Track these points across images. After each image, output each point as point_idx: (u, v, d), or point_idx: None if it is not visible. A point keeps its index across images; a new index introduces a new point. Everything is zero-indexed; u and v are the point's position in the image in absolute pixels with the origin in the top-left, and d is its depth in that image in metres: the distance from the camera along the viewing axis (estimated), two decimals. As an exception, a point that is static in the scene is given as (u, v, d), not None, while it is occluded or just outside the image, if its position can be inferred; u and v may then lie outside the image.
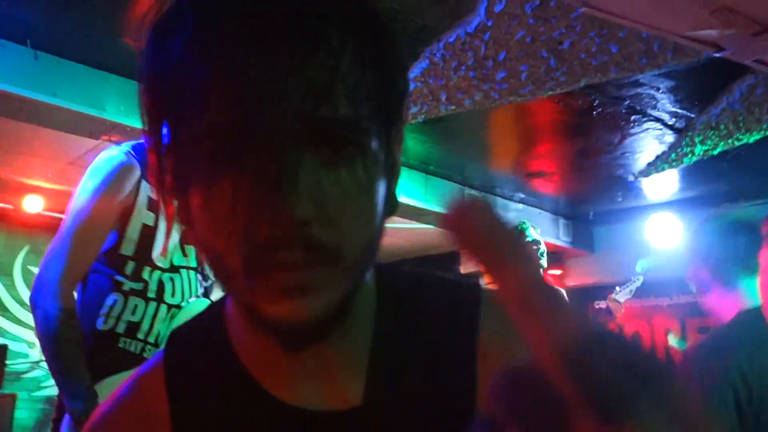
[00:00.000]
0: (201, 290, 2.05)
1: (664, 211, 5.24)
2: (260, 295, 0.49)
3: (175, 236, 1.95)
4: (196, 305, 2.02)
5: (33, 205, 5.12)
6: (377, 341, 0.59)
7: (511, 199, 5.38)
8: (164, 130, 0.51)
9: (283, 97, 0.46)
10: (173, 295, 1.93)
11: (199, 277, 2.05)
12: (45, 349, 1.74)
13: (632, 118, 3.67)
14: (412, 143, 4.23)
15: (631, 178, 4.73)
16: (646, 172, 4.53)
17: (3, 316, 5.46)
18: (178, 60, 0.48)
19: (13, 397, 4.92)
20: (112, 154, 1.86)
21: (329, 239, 0.48)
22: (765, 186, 4.91)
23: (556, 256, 6.12)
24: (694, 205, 5.18)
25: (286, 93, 0.46)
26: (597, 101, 3.44)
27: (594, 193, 5.29)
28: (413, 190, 4.69)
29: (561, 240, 5.80)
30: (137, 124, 3.34)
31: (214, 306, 0.64)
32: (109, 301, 1.82)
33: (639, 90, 3.34)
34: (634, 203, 5.36)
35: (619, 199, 5.30)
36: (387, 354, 0.59)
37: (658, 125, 3.78)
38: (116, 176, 1.81)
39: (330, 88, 0.47)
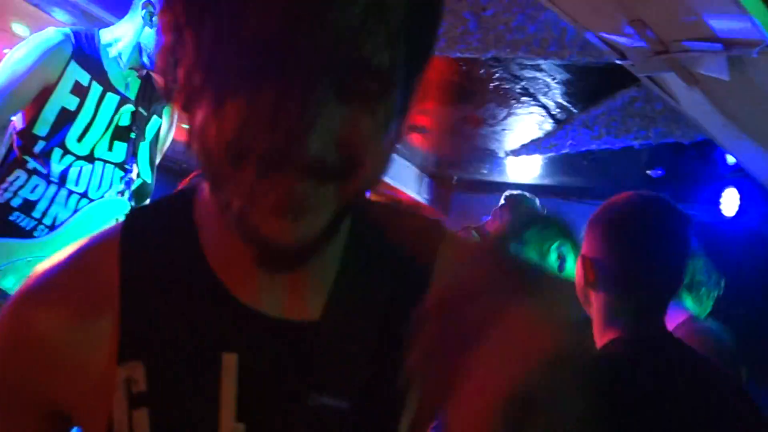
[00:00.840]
0: (123, 188, 2.02)
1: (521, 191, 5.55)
2: (256, 208, 0.49)
3: (102, 127, 1.94)
4: (112, 204, 2.00)
5: None
6: (344, 263, 0.62)
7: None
8: (192, 29, 0.50)
9: (326, 27, 0.45)
10: (77, 183, 1.92)
11: (123, 175, 2.02)
12: None
13: (522, 99, 3.81)
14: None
15: (501, 154, 4.93)
16: (518, 151, 4.74)
17: None
18: None
19: None
20: (49, 34, 1.88)
21: (339, 169, 0.49)
22: (609, 190, 5.35)
23: (412, 211, 6.30)
24: (549, 192, 5.54)
25: (329, 24, 0.45)
26: (497, 74, 3.52)
27: (463, 160, 5.47)
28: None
29: (421, 197, 5.96)
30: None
31: (180, 196, 0.63)
32: (11, 177, 1.87)
33: (537, 75, 3.46)
34: (497, 178, 5.62)
35: (484, 171, 5.52)
36: (351, 276, 0.62)
37: (542, 111, 3.96)
38: (44, 53, 1.84)
39: (363, 28, 0.46)
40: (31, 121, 1.86)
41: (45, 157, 1.88)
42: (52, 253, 0.63)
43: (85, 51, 1.92)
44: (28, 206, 1.87)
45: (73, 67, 1.88)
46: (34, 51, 1.83)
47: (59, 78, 1.86)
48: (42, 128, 1.87)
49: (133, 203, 2.08)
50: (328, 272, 0.61)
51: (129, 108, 2.02)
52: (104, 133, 1.96)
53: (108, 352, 0.57)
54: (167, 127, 2.21)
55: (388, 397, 0.59)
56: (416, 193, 5.88)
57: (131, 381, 0.56)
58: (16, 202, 1.87)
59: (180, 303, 0.58)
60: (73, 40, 1.90)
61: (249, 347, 0.57)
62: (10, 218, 1.86)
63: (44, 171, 1.88)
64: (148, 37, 1.97)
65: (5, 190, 1.87)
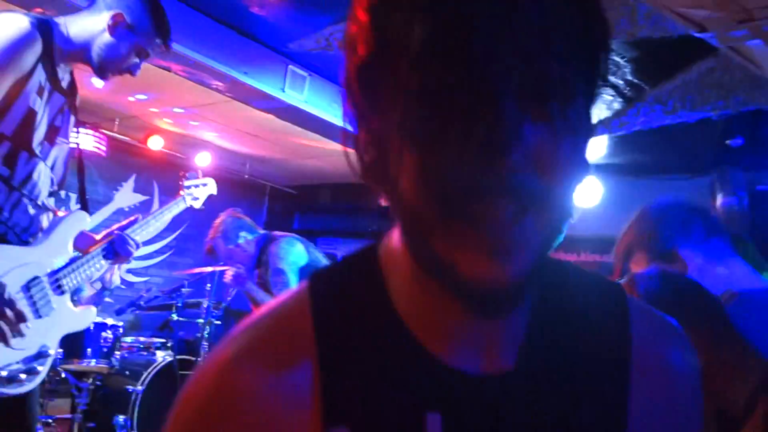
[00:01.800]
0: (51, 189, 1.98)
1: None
2: (460, 252, 0.48)
3: (46, 127, 1.86)
4: (77, 217, 2.06)
5: None
6: (535, 314, 0.59)
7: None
8: (377, 107, 0.52)
9: (504, 51, 0.47)
10: (33, 189, 1.88)
11: (50, 175, 1.96)
12: None
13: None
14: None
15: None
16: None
17: None
18: (407, 10, 0.49)
19: None
20: (22, 22, 1.75)
21: (539, 189, 0.48)
22: (685, 164, 5.17)
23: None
24: (618, 171, 5.39)
25: (506, 47, 0.47)
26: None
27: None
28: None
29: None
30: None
31: (363, 254, 0.63)
32: None
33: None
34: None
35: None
36: (543, 329, 0.59)
37: (611, 92, 3.84)
38: (20, 45, 1.72)
39: (546, 45, 0.47)
40: None
41: (11, 159, 1.79)
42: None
43: (46, 47, 1.81)
44: None
45: (39, 66, 1.78)
46: (11, 41, 1.71)
47: (29, 75, 1.76)
48: (8, 126, 1.76)
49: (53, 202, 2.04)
50: (518, 324, 0.58)
51: (64, 107, 1.95)
52: (46, 133, 1.89)
53: (312, 413, 0.56)
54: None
55: None
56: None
57: None
58: None
59: (378, 361, 0.57)
60: (40, 34, 1.78)
61: (451, 405, 0.56)
62: None
63: (6, 176, 1.79)
64: (104, 40, 1.90)
65: None
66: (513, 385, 0.57)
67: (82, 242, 2.14)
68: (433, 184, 0.48)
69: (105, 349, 4.10)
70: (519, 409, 0.57)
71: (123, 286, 6.05)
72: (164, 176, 6.47)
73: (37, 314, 1.92)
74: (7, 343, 1.81)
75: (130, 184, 6.39)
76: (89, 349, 4.05)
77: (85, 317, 2.15)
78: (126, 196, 6.36)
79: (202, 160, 6.28)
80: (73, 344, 4.03)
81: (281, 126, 4.74)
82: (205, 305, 4.71)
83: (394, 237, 0.59)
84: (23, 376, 1.90)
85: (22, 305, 1.85)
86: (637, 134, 4.39)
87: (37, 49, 1.76)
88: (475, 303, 0.51)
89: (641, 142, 4.64)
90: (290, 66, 4.04)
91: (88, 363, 4.04)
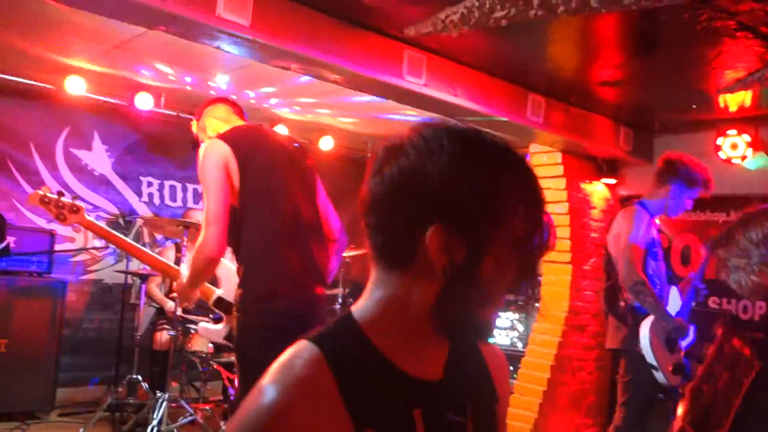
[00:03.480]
0: None
1: (736, 125, 4.96)
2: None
3: None
4: None
5: (75, 86, 4.90)
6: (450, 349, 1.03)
7: (573, 104, 5.07)
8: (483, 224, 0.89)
9: None
10: None
11: None
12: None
13: (738, 34, 3.32)
14: (480, 45, 3.91)
15: (711, 92, 4.39)
16: (732, 87, 4.19)
17: (47, 199, 5.39)
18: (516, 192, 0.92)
19: (63, 283, 4.95)
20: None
21: None
22: None
23: (611, 164, 5.89)
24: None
25: None
26: (705, 15, 3.09)
27: (664, 103, 4.97)
28: (479, 93, 4.40)
29: (619, 148, 5.53)
30: (197, 17, 3.07)
31: (346, 321, 0.94)
32: None
33: (756, 5, 2.98)
34: (706, 116, 5.05)
35: (691, 111, 4.97)
36: (455, 355, 1.01)
37: (762, 43, 3.43)
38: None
39: None
40: None
41: None
42: None
43: None
44: None
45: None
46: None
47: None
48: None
49: None
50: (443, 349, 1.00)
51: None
52: None
53: None
54: None
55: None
56: (613, 145, 5.47)
57: None
58: None
59: (378, 386, 0.90)
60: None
61: (425, 404, 0.93)
62: None
63: None
64: None
65: None
66: (445, 387, 0.97)
67: None
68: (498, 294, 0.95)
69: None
70: (450, 399, 0.98)
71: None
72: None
73: None
74: None
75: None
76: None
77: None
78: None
79: (325, 143, 6.37)
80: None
81: (401, 107, 4.68)
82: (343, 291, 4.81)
83: (374, 310, 0.94)
84: None
85: None
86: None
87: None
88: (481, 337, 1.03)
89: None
90: (406, 50, 3.94)
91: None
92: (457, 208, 0.87)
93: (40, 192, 2.81)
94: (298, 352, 0.89)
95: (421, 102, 4.26)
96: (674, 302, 3.57)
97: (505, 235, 0.88)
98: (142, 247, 3.09)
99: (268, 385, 0.85)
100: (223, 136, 2.63)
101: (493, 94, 4.50)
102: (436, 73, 4.12)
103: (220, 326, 2.94)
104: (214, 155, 2.55)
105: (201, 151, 2.59)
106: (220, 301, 2.89)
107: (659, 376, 3.40)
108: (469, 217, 0.87)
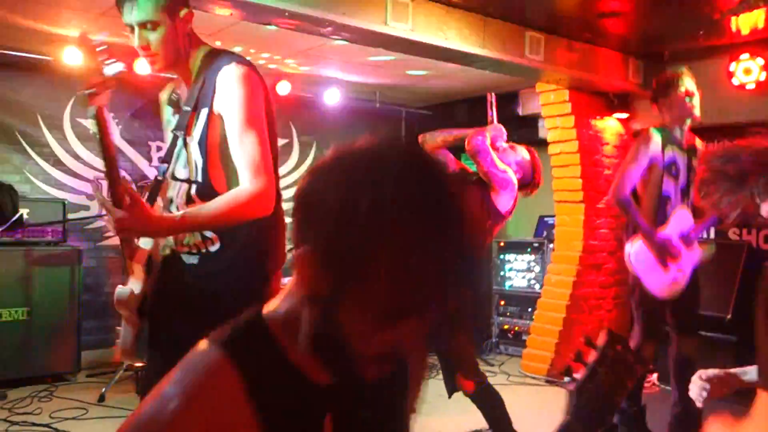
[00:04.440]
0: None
1: (749, 48, 4.73)
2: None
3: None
4: None
5: (72, 56, 4.93)
6: None
7: (576, 39, 4.90)
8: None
9: None
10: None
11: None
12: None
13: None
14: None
15: (716, 15, 4.19)
16: (737, 9, 3.99)
17: (60, 170, 5.49)
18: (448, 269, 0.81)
19: (78, 251, 5.09)
20: None
21: None
22: None
23: (623, 99, 5.71)
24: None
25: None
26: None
27: (672, 31, 4.76)
28: (471, 34, 4.28)
29: (630, 81, 5.35)
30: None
31: (256, 321, 0.90)
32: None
33: None
34: (716, 41, 4.82)
35: (700, 37, 4.76)
36: None
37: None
38: None
39: None
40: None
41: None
42: None
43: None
44: None
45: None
46: None
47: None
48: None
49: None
50: None
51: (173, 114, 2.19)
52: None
53: None
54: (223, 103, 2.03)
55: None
56: (623, 79, 5.29)
57: None
58: None
59: (288, 394, 0.86)
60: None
61: (334, 409, 0.90)
62: None
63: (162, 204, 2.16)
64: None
65: None
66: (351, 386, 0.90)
67: None
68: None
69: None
70: (359, 399, 0.93)
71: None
72: (299, 117, 6.60)
73: None
74: None
75: (269, 129, 6.60)
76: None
77: None
78: (267, 142, 6.58)
79: (332, 96, 6.31)
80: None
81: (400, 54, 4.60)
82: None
83: (282, 315, 0.89)
84: None
85: None
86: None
87: None
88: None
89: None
90: (390, -4, 3.84)
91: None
92: (330, 241, 0.78)
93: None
94: (202, 354, 0.85)
95: (410, 48, 4.18)
96: (683, 221, 3.50)
97: (370, 290, 0.78)
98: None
99: (170, 388, 0.81)
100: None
101: (486, 35, 4.37)
102: (425, 18, 4.02)
103: None
104: (261, 90, 2.06)
105: (238, 77, 2.02)
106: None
107: (651, 290, 3.43)
108: (338, 256, 0.78)
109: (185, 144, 2.09)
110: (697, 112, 3.48)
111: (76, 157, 5.54)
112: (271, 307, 0.91)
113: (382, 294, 0.78)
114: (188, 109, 2.07)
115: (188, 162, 2.10)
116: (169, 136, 2.14)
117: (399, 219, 0.76)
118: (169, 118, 2.20)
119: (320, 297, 0.81)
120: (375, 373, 0.86)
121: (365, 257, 0.77)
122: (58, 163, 5.50)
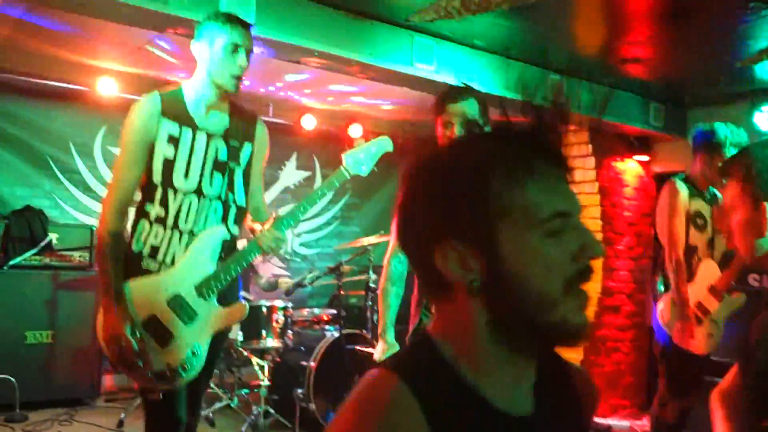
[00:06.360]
0: (222, 217, 2.39)
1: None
2: (571, 311, 0.81)
3: (199, 163, 2.31)
4: (212, 233, 2.36)
5: (107, 87, 5.10)
6: (539, 373, 0.89)
7: (597, 83, 4.97)
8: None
9: None
10: (186, 221, 2.30)
11: (220, 205, 2.37)
12: (96, 261, 2.32)
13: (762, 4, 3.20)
14: (494, 28, 3.87)
15: (737, 63, 4.24)
16: (757, 59, 4.04)
17: (89, 197, 5.63)
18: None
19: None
20: (140, 103, 2.29)
21: None
22: None
23: (644, 141, 5.75)
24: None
25: None
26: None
27: (693, 78, 4.82)
28: (493, 76, 4.37)
29: (650, 125, 5.40)
30: (199, 17, 3.16)
31: (425, 345, 0.86)
32: (138, 229, 2.29)
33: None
34: (738, 87, 4.87)
35: (721, 84, 4.81)
36: (544, 384, 0.90)
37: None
38: (141, 120, 2.26)
39: None
40: (148, 174, 2.28)
41: (163, 199, 2.28)
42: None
43: (171, 106, 2.30)
44: (154, 252, 2.29)
45: (164, 122, 2.27)
46: (134, 121, 2.27)
47: (156, 134, 2.27)
48: (156, 177, 2.27)
49: (236, 230, 2.44)
50: (530, 378, 0.88)
51: (221, 142, 2.35)
52: (203, 168, 2.31)
53: None
54: (259, 152, 2.52)
55: None
56: (643, 123, 5.34)
57: None
58: (146, 251, 2.29)
59: (464, 417, 0.81)
60: (159, 100, 2.28)
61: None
62: (143, 264, 2.29)
63: (163, 214, 2.27)
64: (216, 65, 2.30)
65: (136, 240, 2.29)
66: (534, 422, 0.86)
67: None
68: (552, 275, 0.82)
69: (279, 330, 4.45)
70: None
71: (298, 259, 6.46)
72: (322, 151, 6.72)
73: (184, 321, 2.28)
74: (145, 359, 2.23)
75: (292, 162, 6.72)
76: (264, 331, 4.41)
77: (234, 313, 2.42)
78: (290, 174, 6.70)
79: (355, 131, 6.42)
80: (251, 327, 4.42)
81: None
82: (370, 278, 4.88)
83: (451, 335, 0.85)
84: (180, 371, 2.28)
85: (169, 317, 2.26)
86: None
87: (155, 115, 2.30)
88: (568, 342, 0.83)
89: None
90: (416, 38, 3.95)
91: (264, 343, 4.41)
92: (448, 220, 0.80)
93: None
94: (378, 380, 0.81)
95: (434, 88, 4.26)
96: (710, 274, 3.45)
97: (512, 222, 0.79)
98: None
99: (352, 417, 0.78)
100: None
101: (509, 77, 4.45)
102: (448, 59, 4.12)
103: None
104: None
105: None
106: None
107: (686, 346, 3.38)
108: (466, 224, 0.79)
109: (232, 172, 2.42)
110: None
111: (106, 184, 5.68)
112: (435, 327, 0.87)
113: (527, 209, 0.79)
114: (237, 144, 2.42)
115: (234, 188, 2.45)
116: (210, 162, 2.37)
117: (493, 160, 0.81)
118: (178, 134, 2.33)
119: (483, 276, 0.80)
120: (567, 341, 0.82)
121: (487, 206, 0.79)
122: (87, 190, 5.64)
